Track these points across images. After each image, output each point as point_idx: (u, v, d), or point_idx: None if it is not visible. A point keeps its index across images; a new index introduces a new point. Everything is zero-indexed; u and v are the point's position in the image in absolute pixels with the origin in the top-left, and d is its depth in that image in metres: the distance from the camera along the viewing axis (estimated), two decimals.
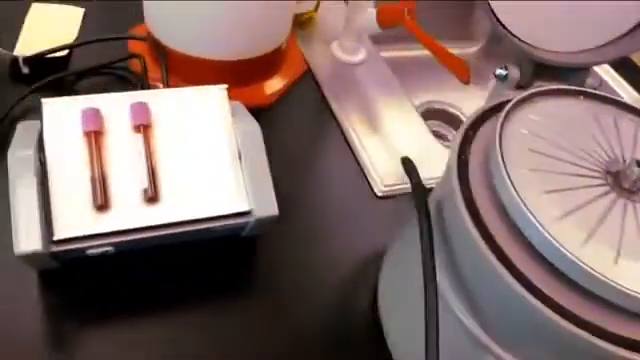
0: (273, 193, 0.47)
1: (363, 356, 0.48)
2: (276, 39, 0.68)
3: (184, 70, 0.66)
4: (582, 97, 0.43)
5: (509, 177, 0.34)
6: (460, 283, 0.38)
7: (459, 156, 0.38)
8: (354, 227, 0.58)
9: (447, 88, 0.90)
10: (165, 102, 0.49)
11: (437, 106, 0.95)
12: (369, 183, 0.62)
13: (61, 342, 0.44)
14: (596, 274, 0.30)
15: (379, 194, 0.60)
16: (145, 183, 0.45)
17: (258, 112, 0.68)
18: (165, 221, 0.45)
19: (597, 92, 0.43)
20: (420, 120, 0.73)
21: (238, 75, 0.67)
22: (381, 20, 0.71)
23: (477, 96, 0.87)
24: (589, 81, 0.53)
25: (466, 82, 0.57)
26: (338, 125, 0.68)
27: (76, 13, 0.73)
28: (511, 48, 0.51)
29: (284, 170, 0.62)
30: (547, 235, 0.31)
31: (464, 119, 0.57)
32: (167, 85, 0.65)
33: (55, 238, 0.42)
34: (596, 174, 0.37)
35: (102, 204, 0.44)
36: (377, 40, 0.83)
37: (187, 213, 0.46)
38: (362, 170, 0.63)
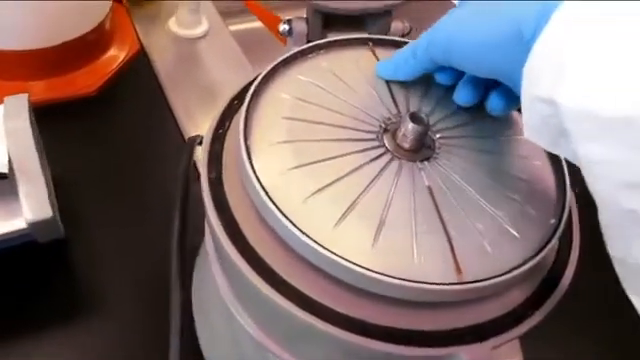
0: (46, 194, 0.41)
1: None
2: (89, 20, 0.60)
3: None
4: (371, 44, 0.37)
5: (247, 152, 0.28)
6: (231, 280, 0.32)
7: (216, 131, 0.33)
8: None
9: None
10: None
11: None
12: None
13: None
14: (344, 262, 0.25)
15: None
16: None
17: (82, 103, 0.61)
18: None
19: (389, 38, 0.37)
20: None
21: (49, 64, 0.59)
22: None
23: None
24: (395, 27, 0.47)
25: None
26: (171, 112, 0.61)
27: None
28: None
29: (107, 167, 0.55)
30: (284, 220, 0.26)
31: None
32: None
33: None
34: (371, 135, 0.32)
35: None
36: (226, 12, 0.77)
37: None
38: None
